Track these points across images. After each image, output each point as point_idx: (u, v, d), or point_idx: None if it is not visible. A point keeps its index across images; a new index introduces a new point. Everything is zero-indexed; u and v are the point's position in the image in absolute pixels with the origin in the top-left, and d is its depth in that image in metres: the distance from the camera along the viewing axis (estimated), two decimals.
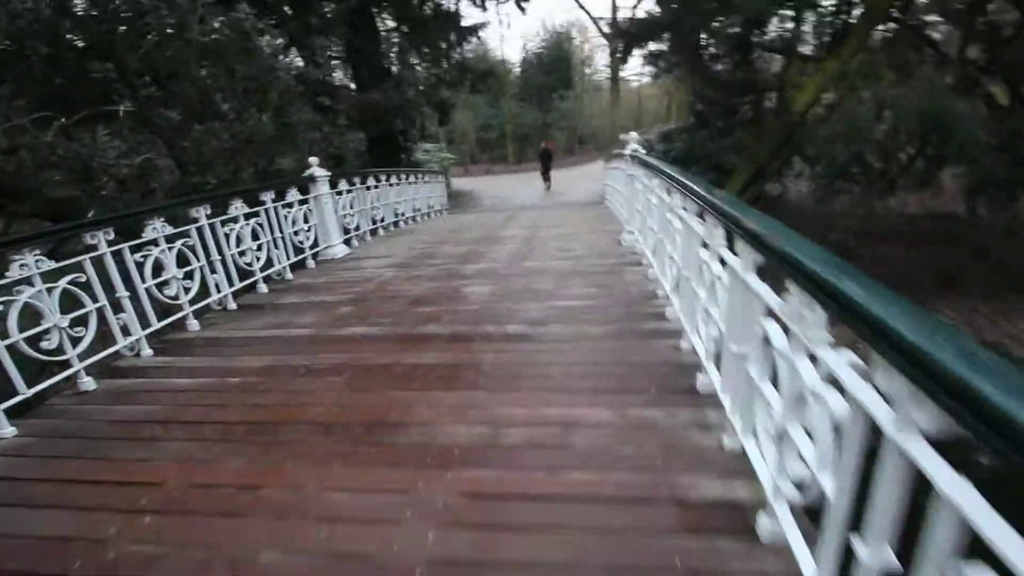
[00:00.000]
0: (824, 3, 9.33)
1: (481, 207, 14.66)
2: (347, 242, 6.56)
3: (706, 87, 11.65)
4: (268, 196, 5.08)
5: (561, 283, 4.37)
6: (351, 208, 6.78)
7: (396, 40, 10.17)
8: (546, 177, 17.68)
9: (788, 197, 12.94)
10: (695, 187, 2.37)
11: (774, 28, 10.13)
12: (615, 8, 33.28)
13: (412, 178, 9.18)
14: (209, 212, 4.24)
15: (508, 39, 70.47)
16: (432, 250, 6.21)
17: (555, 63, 32.73)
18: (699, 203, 2.25)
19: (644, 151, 5.43)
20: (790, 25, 9.61)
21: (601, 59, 40.55)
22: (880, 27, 9.25)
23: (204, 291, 4.11)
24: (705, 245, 2.28)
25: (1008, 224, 9.50)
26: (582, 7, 38.04)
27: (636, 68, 43.69)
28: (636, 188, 5.17)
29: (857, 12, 9.02)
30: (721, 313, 2.08)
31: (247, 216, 4.67)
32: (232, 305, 4.32)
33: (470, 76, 10.78)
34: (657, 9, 11.01)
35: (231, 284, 4.35)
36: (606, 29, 34.90)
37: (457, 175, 26.57)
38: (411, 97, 9.72)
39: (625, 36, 10.77)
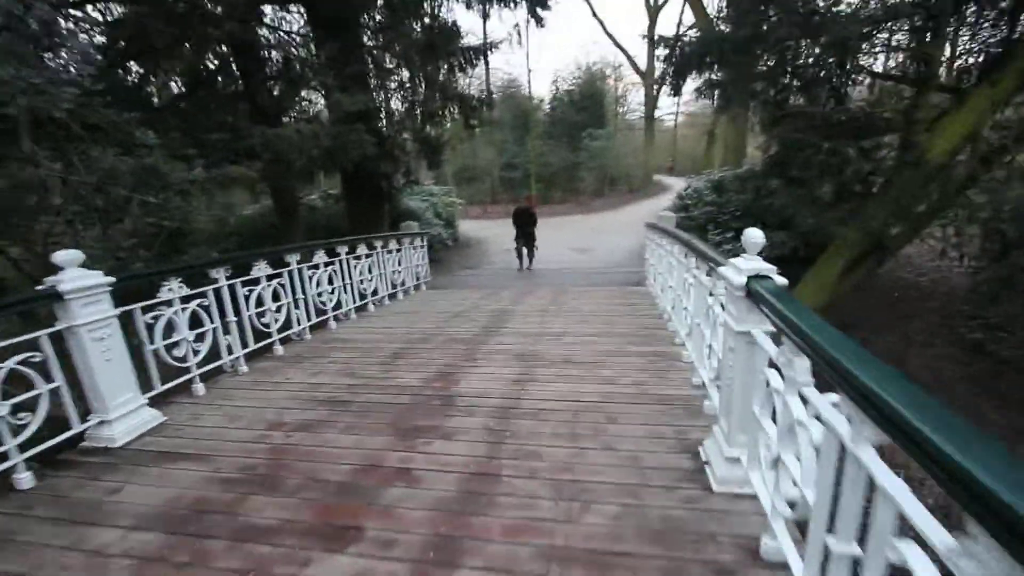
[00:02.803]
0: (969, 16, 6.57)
1: (487, 265, 12.00)
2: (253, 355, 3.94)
3: (779, 125, 8.90)
4: None
5: None
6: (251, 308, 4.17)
7: (375, 56, 7.79)
8: (526, 250, 10.74)
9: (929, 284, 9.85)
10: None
11: (882, 48, 7.44)
12: (652, 45, 31.59)
13: (378, 247, 6.61)
14: None
15: (538, 73, 69.94)
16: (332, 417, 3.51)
17: (587, 100, 30.70)
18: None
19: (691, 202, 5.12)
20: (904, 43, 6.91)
21: (635, 98, 38.77)
22: None
23: None
24: None
25: None
26: (617, 44, 36.43)
27: (670, 108, 41.79)
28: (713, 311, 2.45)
29: None
30: None
31: None
32: None
33: (455, 105, 8.22)
34: (719, 27, 8.50)
35: None
36: (642, 67, 33.35)
37: (475, 216, 24.31)
38: (386, 133, 7.30)
39: (678, 62, 8.15)
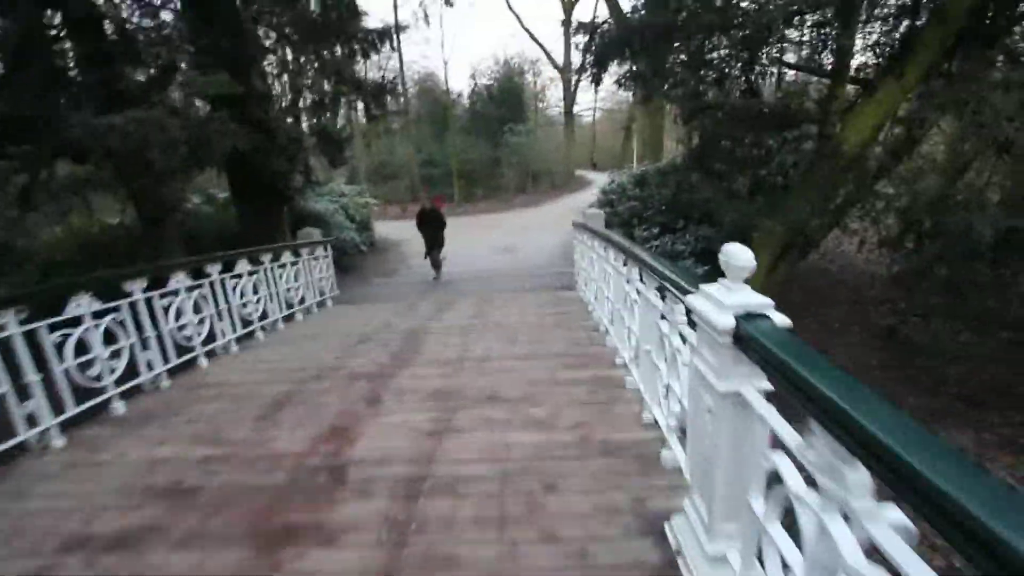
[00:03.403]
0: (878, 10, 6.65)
1: (405, 272, 11.07)
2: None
3: (698, 118, 8.80)
4: None
5: None
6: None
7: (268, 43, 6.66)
8: (433, 256, 9.45)
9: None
10: None
11: (797, 40, 7.47)
12: (570, 35, 31.73)
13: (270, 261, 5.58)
14: None
15: (455, 68, 68.75)
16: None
17: (506, 95, 30.23)
18: None
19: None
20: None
21: (554, 93, 38.94)
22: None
23: None
24: None
25: None
26: (534, 38, 36.29)
27: (588, 103, 42.49)
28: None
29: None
30: None
31: None
32: None
33: (350, 92, 7.17)
34: (636, 17, 8.21)
35: None
36: (559, 62, 33.44)
37: (393, 216, 23.03)
38: (272, 123, 6.19)
39: (597, 50, 7.75)
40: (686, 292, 1.66)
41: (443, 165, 28.42)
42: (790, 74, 9.08)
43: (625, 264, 3.19)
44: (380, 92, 7.33)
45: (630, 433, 2.60)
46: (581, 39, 8.05)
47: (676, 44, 7.64)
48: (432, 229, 9.38)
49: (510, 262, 11.41)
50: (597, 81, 8.04)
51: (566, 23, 30.92)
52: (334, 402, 3.27)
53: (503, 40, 64.06)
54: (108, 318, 3.34)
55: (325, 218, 10.21)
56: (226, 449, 2.77)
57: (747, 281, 1.46)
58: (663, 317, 2.39)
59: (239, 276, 4.82)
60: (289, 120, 6.93)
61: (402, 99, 29.04)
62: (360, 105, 7.29)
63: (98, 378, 3.27)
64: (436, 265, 9.63)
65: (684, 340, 2.08)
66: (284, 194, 7.76)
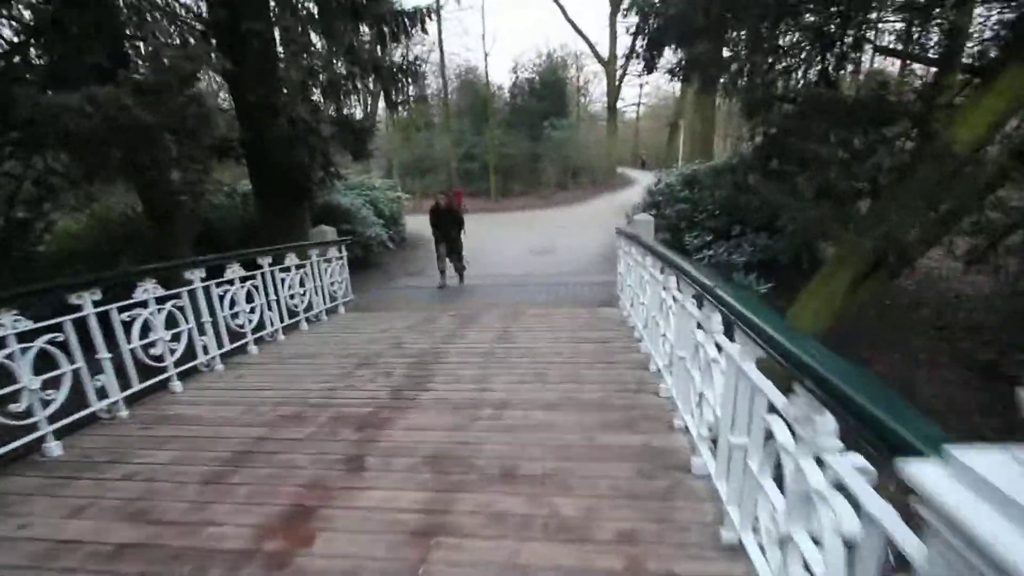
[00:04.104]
0: None
1: (432, 272, 10.42)
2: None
3: (762, 111, 7.69)
4: None
5: None
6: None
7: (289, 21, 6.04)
8: (451, 256, 8.49)
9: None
10: None
11: (894, 20, 6.29)
12: (615, 32, 30.38)
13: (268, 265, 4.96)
14: None
15: (497, 61, 67.69)
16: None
17: (548, 89, 29.21)
18: None
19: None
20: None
21: (597, 88, 37.60)
22: None
23: None
24: None
25: None
26: (578, 30, 34.98)
27: (632, 99, 40.83)
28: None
29: None
30: None
31: None
32: None
33: (368, 75, 6.35)
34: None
35: None
36: (604, 55, 32.10)
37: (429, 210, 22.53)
38: (287, 109, 5.54)
39: (652, 33, 6.78)
40: (901, 450, 0.79)
41: (482, 159, 27.76)
42: (870, 63, 7.86)
43: (700, 304, 2.32)
44: (400, 74, 6.57)
45: (705, 565, 1.75)
46: (633, 20, 7.09)
47: (745, 23, 6.59)
48: (448, 229, 8.28)
49: (545, 266, 10.56)
50: (650, 68, 7.07)
51: (612, 15, 29.70)
52: (305, 462, 2.55)
53: (546, 33, 62.71)
54: (39, 340, 2.72)
55: (351, 213, 9.64)
56: (150, 532, 2.09)
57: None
58: (777, 415, 1.52)
59: (230, 283, 4.19)
60: (304, 107, 6.31)
61: (429, 85, 28.26)
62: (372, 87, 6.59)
63: (21, 415, 2.66)
64: (457, 268, 8.72)
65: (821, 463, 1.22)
66: (305, 188, 7.19)
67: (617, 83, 32.79)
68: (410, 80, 6.71)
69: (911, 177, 5.53)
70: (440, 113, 30.67)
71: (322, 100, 6.61)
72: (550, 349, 4.18)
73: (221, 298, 4.09)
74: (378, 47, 6.57)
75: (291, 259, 5.04)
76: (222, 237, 8.39)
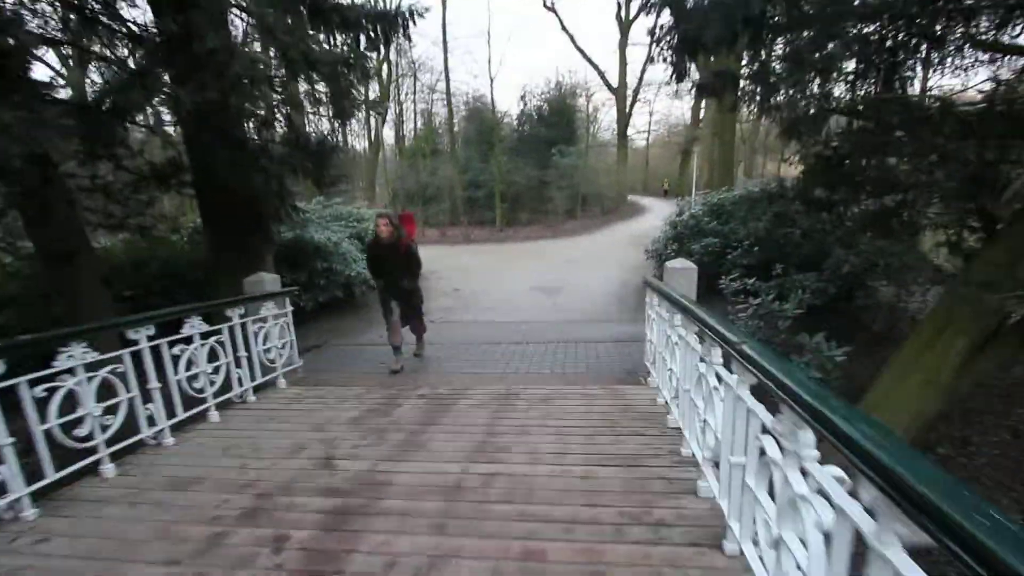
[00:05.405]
0: None
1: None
2: None
3: (804, 128, 6.28)
4: None
5: None
6: None
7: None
8: (406, 318, 5.41)
9: None
10: None
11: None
12: (624, 59, 29.67)
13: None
14: None
15: (506, 90, 67.70)
16: None
17: (556, 116, 28.34)
18: None
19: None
20: None
21: (606, 117, 36.83)
22: None
23: None
24: None
25: None
26: (587, 59, 34.47)
27: (642, 126, 39.91)
28: None
29: None
30: None
31: None
32: None
33: (313, 75, 4.78)
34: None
35: None
36: (613, 83, 31.34)
37: (431, 240, 21.32)
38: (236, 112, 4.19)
39: (681, 33, 5.46)
40: None
41: (488, 187, 26.71)
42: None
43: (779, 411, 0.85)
44: (349, 74, 5.15)
45: None
46: (654, 19, 5.78)
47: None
48: (397, 275, 5.04)
49: (551, 310, 9.09)
50: (681, 74, 5.71)
51: (622, 44, 29.03)
52: None
53: (554, 61, 62.76)
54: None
55: (326, 250, 8.30)
56: None
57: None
58: None
59: (68, 372, 2.77)
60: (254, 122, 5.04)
61: (437, 115, 27.21)
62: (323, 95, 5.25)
63: None
64: (415, 330, 5.70)
65: None
66: (257, 221, 5.87)
67: (628, 110, 31.99)
68: (355, 77, 5.23)
69: None
70: (446, 142, 29.93)
71: (273, 115, 5.30)
72: (550, 478, 2.68)
73: (47, 398, 2.65)
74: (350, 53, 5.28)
75: (192, 326, 3.62)
76: (166, 281, 6.99)
